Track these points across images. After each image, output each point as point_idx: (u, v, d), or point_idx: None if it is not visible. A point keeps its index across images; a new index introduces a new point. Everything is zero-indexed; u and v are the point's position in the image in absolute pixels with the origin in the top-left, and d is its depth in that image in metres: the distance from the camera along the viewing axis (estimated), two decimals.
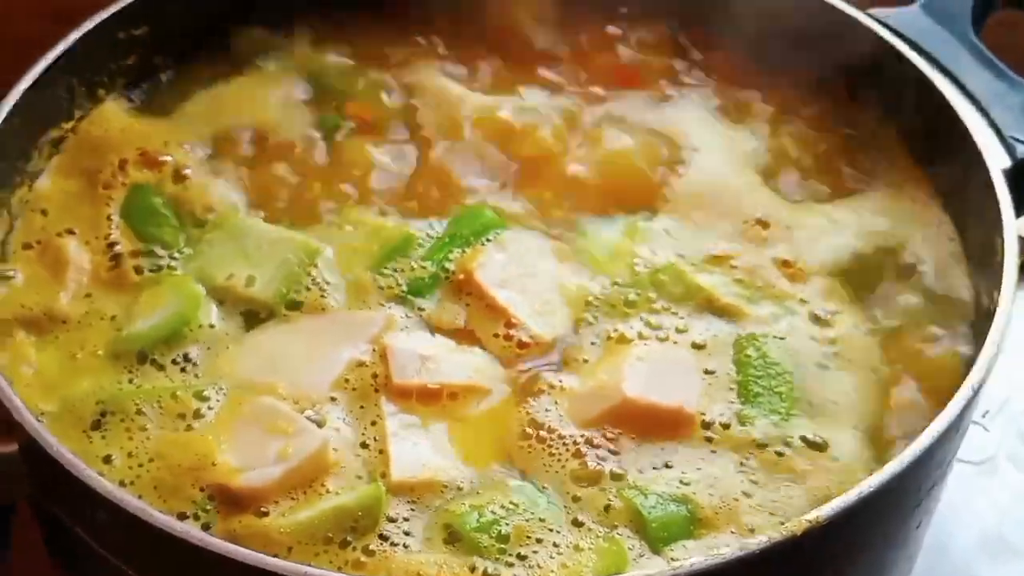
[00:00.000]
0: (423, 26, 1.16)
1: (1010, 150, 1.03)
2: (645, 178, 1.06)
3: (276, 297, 0.95)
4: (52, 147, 1.04)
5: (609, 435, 0.88)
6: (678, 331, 0.95)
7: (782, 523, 0.82)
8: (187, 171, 1.03)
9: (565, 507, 0.85)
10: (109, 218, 1.00)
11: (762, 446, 0.88)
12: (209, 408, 0.88)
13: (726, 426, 0.89)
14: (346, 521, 0.82)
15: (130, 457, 0.86)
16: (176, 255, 0.98)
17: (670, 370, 0.91)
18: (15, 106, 0.98)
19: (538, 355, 0.93)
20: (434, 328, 0.95)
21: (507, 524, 0.83)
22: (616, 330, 0.94)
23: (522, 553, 0.82)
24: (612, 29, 1.17)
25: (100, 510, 0.77)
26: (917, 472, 0.82)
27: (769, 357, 0.93)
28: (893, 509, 0.84)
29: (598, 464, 0.86)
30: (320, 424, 0.88)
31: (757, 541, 0.76)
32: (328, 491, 0.84)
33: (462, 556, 0.82)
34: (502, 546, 0.82)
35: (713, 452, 0.88)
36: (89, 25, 1.05)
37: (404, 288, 0.96)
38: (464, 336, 0.94)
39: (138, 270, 0.97)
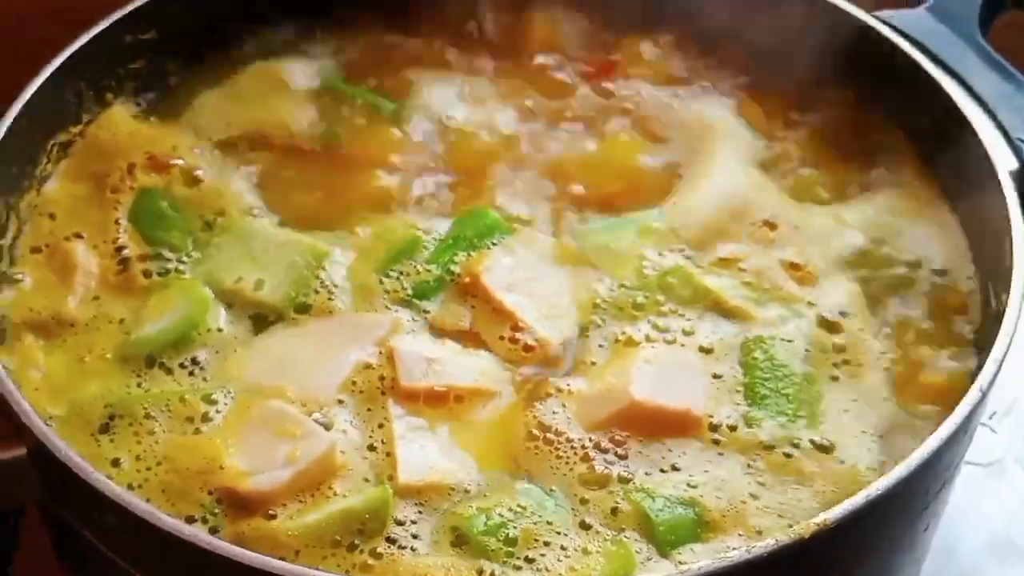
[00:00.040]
0: (431, 26, 1.16)
1: (1017, 152, 1.03)
2: (652, 178, 1.06)
3: (285, 300, 0.95)
4: (60, 151, 1.04)
5: (617, 438, 0.88)
6: (685, 333, 0.95)
7: (790, 526, 0.82)
8: (198, 173, 1.04)
9: (572, 510, 0.85)
10: (117, 222, 1.00)
11: (769, 448, 0.88)
12: (217, 411, 0.89)
13: (733, 428, 0.89)
14: (353, 524, 0.83)
15: (138, 460, 0.86)
16: (184, 259, 0.98)
17: (677, 372, 0.91)
18: (23, 110, 0.99)
19: (545, 358, 0.93)
20: (440, 331, 0.95)
21: (515, 527, 0.83)
22: (624, 333, 0.94)
23: (530, 556, 0.82)
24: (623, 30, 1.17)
25: (108, 513, 0.77)
26: (925, 475, 0.82)
27: (776, 359, 0.93)
28: (901, 512, 0.84)
29: (605, 467, 0.86)
30: (328, 427, 0.88)
31: (765, 544, 0.76)
32: (336, 494, 0.84)
33: (469, 559, 0.82)
34: (510, 549, 0.82)
35: (720, 455, 0.88)
36: (97, 29, 1.06)
37: (409, 291, 0.97)
38: (470, 339, 0.94)
39: (146, 274, 0.97)
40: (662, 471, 0.87)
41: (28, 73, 1.01)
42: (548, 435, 0.88)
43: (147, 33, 1.09)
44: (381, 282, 0.97)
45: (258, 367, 0.92)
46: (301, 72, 1.12)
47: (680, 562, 0.82)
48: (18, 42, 1.26)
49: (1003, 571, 1.11)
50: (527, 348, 0.93)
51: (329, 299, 0.96)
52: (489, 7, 1.18)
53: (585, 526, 0.84)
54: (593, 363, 0.93)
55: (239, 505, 0.83)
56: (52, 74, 1.02)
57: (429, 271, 0.98)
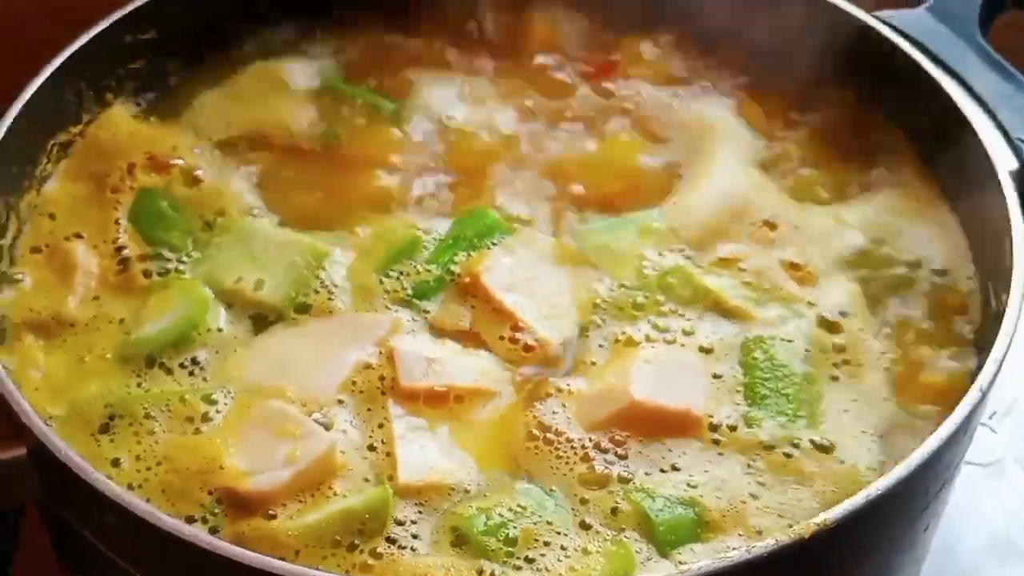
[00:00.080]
0: (431, 26, 1.17)
1: (1017, 152, 1.03)
2: (652, 178, 1.06)
3: (285, 300, 0.95)
4: (60, 151, 1.04)
5: (617, 438, 0.88)
6: (685, 333, 0.95)
7: (790, 525, 0.82)
8: (198, 173, 1.04)
9: (572, 510, 0.85)
10: (117, 222, 1.00)
11: (769, 448, 0.88)
12: (217, 411, 0.89)
13: (733, 428, 0.89)
14: (353, 524, 0.83)
15: (138, 460, 0.86)
16: (184, 259, 0.98)
17: (677, 372, 0.91)
18: (23, 109, 0.99)
19: (545, 358, 0.93)
20: (440, 331, 0.95)
21: (515, 527, 0.83)
22: (624, 333, 0.94)
23: (530, 556, 0.82)
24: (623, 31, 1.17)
25: (109, 513, 0.77)
26: (925, 475, 0.82)
27: (776, 359, 0.93)
28: (901, 512, 0.84)
29: (605, 467, 0.86)
30: (328, 427, 0.88)
31: (765, 544, 0.76)
32: (335, 494, 0.84)
33: (469, 559, 0.82)
34: (510, 549, 0.82)
35: (720, 455, 0.88)
36: (97, 29, 1.06)
37: (409, 291, 0.97)
38: (470, 339, 0.94)
39: (146, 274, 0.97)
40: (662, 471, 0.86)
41: (28, 73, 1.01)
42: (548, 435, 0.88)
43: (147, 33, 1.09)
44: (381, 282, 0.97)
45: (258, 367, 0.92)
46: (301, 72, 1.12)
47: (680, 562, 0.82)
48: (18, 42, 1.26)
49: (1003, 571, 1.11)
50: (527, 348, 0.93)
51: (329, 299, 0.96)
52: (489, 7, 1.18)
53: (585, 526, 0.84)
54: (593, 363, 0.93)
55: (239, 505, 0.83)
56: (52, 74, 1.02)
57: (429, 271, 0.98)
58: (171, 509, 0.83)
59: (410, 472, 0.86)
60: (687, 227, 1.01)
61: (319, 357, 0.92)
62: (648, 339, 0.94)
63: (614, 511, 0.84)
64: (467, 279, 0.97)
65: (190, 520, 0.82)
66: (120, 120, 1.07)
